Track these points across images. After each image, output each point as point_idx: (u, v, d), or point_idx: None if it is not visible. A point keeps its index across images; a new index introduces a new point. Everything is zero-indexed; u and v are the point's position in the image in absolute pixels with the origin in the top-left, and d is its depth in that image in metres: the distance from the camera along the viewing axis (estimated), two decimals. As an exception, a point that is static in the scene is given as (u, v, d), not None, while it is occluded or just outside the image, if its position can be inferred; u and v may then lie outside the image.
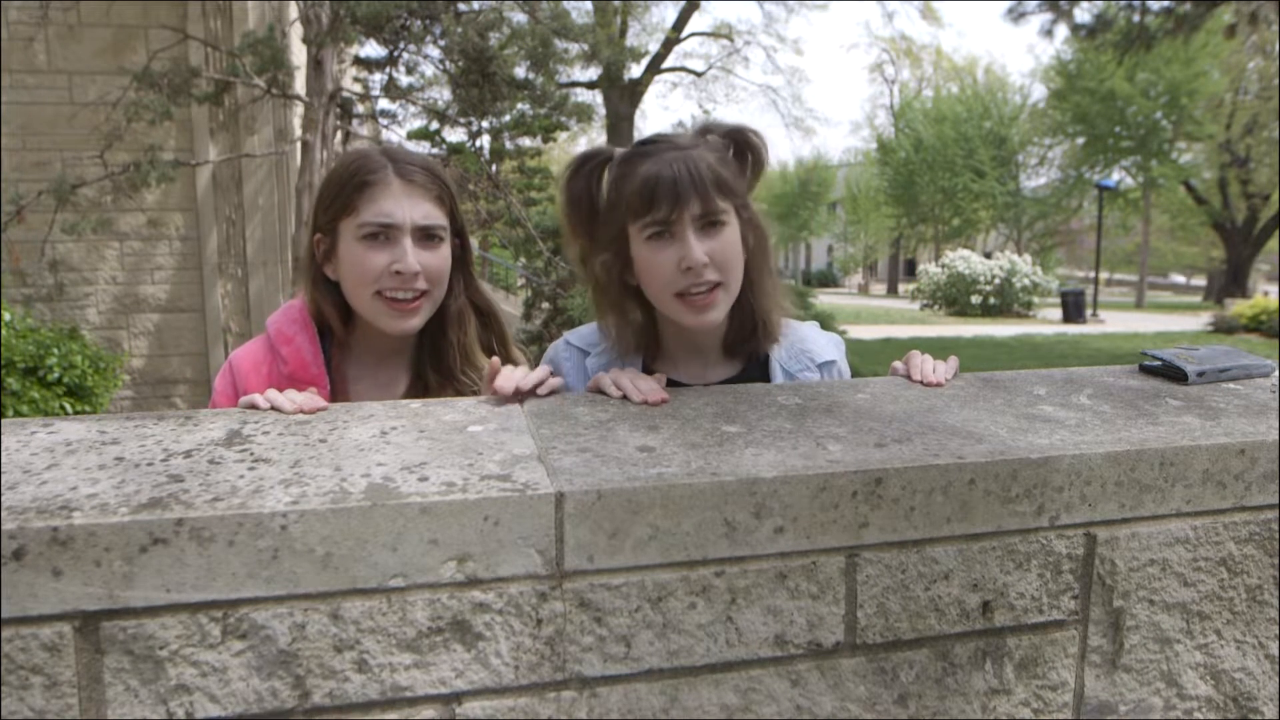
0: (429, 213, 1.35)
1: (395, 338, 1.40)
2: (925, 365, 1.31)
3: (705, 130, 1.36)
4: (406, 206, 1.33)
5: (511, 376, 1.13)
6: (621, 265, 1.33)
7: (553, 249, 8.09)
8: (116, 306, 7.02)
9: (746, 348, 1.42)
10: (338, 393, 1.41)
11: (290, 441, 0.97)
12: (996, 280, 21.35)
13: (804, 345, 1.47)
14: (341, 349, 1.44)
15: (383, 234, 1.32)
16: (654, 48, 20.30)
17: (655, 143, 1.33)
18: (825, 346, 1.49)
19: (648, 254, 1.28)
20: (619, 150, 1.36)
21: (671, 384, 1.32)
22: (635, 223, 1.28)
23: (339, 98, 6.57)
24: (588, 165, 1.35)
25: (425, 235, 1.35)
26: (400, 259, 1.31)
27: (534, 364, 1.36)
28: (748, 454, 0.94)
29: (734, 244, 1.30)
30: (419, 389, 1.44)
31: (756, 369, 1.43)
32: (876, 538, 0.92)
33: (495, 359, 1.24)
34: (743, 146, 1.37)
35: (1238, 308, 16.78)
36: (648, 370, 1.40)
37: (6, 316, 5.14)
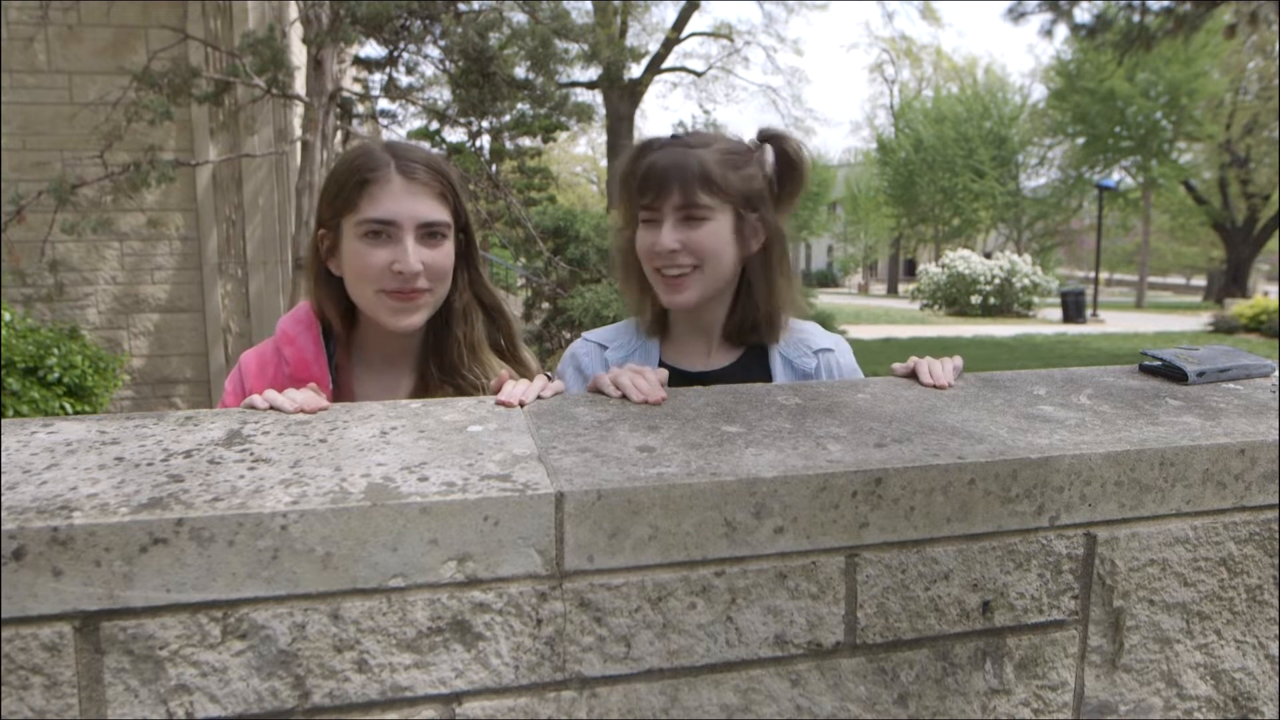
0: (431, 209, 1.33)
1: (400, 336, 1.39)
2: (933, 367, 1.33)
3: (763, 138, 1.49)
4: (408, 204, 1.31)
5: (514, 392, 1.15)
6: (630, 241, 1.48)
7: (553, 249, 8.08)
8: (116, 306, 7.01)
9: (749, 338, 1.51)
10: (342, 393, 1.40)
11: (290, 441, 0.97)
12: (996, 280, 21.35)
13: (801, 334, 1.55)
14: (345, 349, 1.43)
15: (384, 232, 1.31)
16: (654, 48, 20.29)
17: (673, 138, 1.46)
18: (822, 337, 1.57)
19: (640, 234, 1.45)
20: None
21: (675, 375, 1.36)
22: (635, 205, 1.44)
23: (339, 98, 6.57)
24: (637, 151, 1.49)
25: (427, 233, 1.33)
26: (401, 258, 1.30)
27: (541, 361, 1.38)
28: (748, 454, 0.94)
29: (715, 236, 1.41)
30: (422, 387, 1.43)
31: (756, 356, 1.52)
32: (876, 538, 0.92)
33: (505, 372, 1.25)
34: (777, 153, 1.48)
35: (1238, 308, 16.79)
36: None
37: (6, 316, 5.14)
